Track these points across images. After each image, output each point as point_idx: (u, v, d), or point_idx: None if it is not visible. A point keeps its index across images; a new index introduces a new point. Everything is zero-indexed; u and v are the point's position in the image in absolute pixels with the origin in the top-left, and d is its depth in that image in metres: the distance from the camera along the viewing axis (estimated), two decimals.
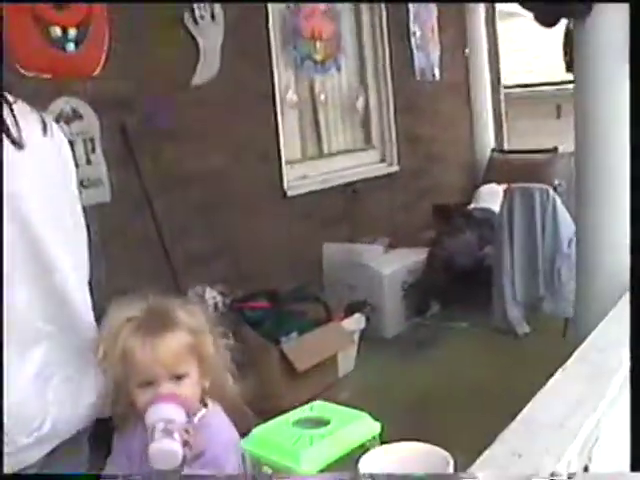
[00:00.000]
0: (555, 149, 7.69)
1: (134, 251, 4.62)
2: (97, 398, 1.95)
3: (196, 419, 1.81)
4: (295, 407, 4.35)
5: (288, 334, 4.59)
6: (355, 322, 5.24)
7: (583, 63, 3.26)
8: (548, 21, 3.24)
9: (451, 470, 1.21)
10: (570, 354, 5.23)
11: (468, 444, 4.05)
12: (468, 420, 4.52)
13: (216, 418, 1.86)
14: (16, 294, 1.73)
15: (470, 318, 6.16)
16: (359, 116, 6.83)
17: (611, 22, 3.11)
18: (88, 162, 4.42)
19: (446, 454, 1.24)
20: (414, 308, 6.13)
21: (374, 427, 1.40)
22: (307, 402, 4.73)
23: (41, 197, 1.80)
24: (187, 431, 1.72)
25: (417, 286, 6.12)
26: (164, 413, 1.72)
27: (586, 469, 1.93)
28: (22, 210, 1.74)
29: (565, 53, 3.33)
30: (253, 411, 2.09)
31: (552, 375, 4.91)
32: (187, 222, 5.00)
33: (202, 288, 4.92)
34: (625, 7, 3.04)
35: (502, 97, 8.45)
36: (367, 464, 1.20)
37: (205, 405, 1.87)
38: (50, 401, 1.81)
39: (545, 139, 8.91)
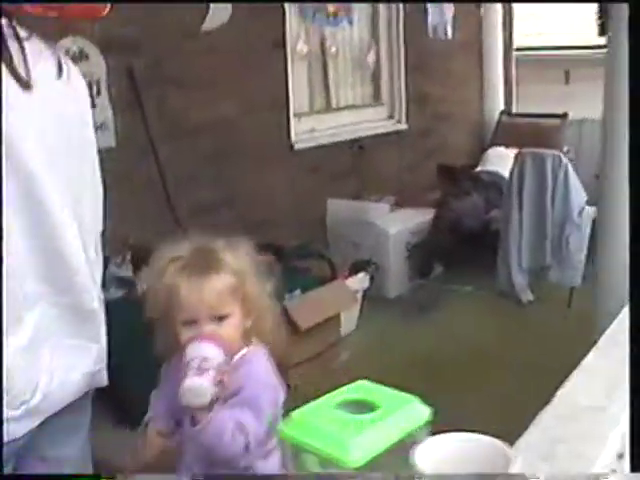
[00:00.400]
0: (565, 115, 7.52)
1: (138, 197, 4.48)
2: (95, 365, 1.82)
3: (237, 357, 1.85)
4: (297, 365, 4.25)
5: (292, 291, 4.46)
6: (359, 281, 5.11)
7: (618, 27, 3.11)
8: None
9: (515, 468, 1.07)
10: (574, 324, 5.16)
11: (471, 409, 3.98)
12: (470, 385, 4.44)
13: (256, 358, 1.89)
14: (8, 248, 1.55)
15: (474, 282, 6.05)
16: (369, 71, 6.64)
17: None
18: (93, 105, 4.19)
19: (509, 451, 1.10)
20: (418, 269, 6.01)
21: (424, 413, 1.26)
22: (309, 360, 4.64)
23: (43, 142, 1.64)
24: (222, 371, 1.75)
25: (422, 247, 5.99)
26: (201, 351, 1.76)
27: (621, 456, 1.80)
28: (19, 154, 1.57)
29: (599, 16, 3.15)
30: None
31: (555, 345, 4.83)
32: (192, 171, 4.85)
33: (205, 239, 4.77)
34: None
35: (514, 60, 8.25)
36: (422, 456, 1.06)
37: (248, 344, 1.90)
38: (42, 370, 1.66)
39: (553, 104, 8.74)
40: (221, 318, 1.83)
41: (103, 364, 1.86)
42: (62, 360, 1.72)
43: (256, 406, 1.81)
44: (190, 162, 4.83)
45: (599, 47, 8.42)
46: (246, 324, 1.88)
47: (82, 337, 1.78)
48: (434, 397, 3.93)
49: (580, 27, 9.08)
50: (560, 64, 9.95)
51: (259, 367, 1.88)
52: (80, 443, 1.94)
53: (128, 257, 3.78)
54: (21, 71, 1.58)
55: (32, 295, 1.64)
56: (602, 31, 3.10)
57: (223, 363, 1.77)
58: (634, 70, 2.52)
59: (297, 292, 4.47)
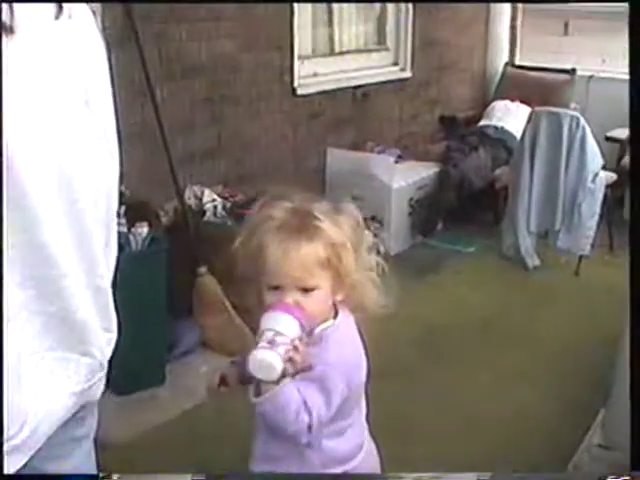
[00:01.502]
0: (573, 71, 7.16)
1: (132, 142, 4.10)
2: (86, 382, 1.47)
3: (318, 330, 1.73)
4: None
5: None
6: None
7: None
8: None
9: None
10: (581, 294, 4.90)
11: (471, 381, 3.70)
12: (470, 355, 4.18)
13: (337, 334, 1.76)
14: None
15: (477, 242, 5.75)
16: (375, 13, 6.22)
17: None
18: None
19: None
20: (420, 227, 5.67)
21: None
22: None
23: (25, 100, 1.25)
24: (296, 347, 1.61)
25: (425, 204, 5.66)
26: (277, 323, 1.64)
27: None
28: None
29: None
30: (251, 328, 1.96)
31: (561, 314, 4.58)
32: (190, 114, 4.50)
33: (200, 189, 4.42)
34: None
35: (519, 7, 7.83)
36: None
37: (335, 317, 1.77)
38: (27, 396, 1.32)
39: (552, 56, 8.43)
40: (307, 290, 1.68)
41: (96, 378, 1.51)
42: (47, 381, 1.37)
43: (326, 387, 1.70)
44: (188, 104, 4.48)
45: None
46: (335, 298, 1.75)
47: (70, 351, 1.42)
48: (433, 368, 3.67)
49: None
50: (559, 15, 9.60)
51: (337, 345, 1.75)
52: (83, 455, 1.62)
53: (122, 211, 3.41)
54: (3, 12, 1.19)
55: (12, 302, 1.28)
56: None
57: (298, 338, 1.63)
58: (635, 70, 2.18)
59: None
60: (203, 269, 4.02)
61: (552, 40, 9.23)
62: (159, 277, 3.62)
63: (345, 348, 1.77)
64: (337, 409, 1.75)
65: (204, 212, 4.33)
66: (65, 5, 1.31)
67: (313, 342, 1.70)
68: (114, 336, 1.55)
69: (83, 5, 1.40)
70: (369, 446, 1.98)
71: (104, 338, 1.52)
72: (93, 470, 1.69)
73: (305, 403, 1.68)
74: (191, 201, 4.38)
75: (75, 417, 1.51)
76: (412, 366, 4.03)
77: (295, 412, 1.67)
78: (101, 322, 1.49)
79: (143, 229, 3.56)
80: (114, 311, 1.55)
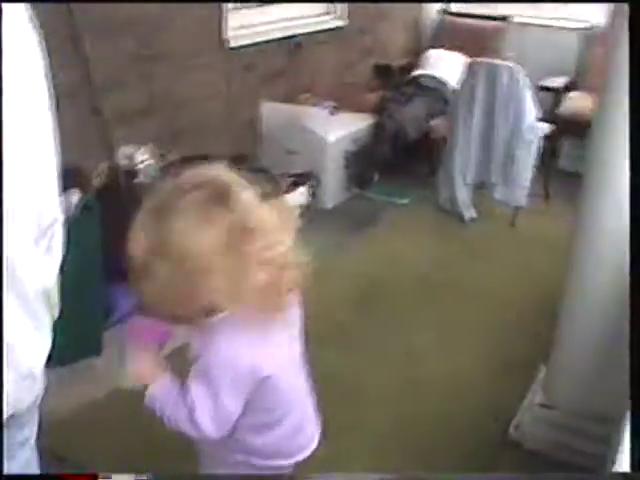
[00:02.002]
0: (507, 18, 7.12)
1: (60, 101, 3.95)
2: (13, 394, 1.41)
3: (208, 323, 1.61)
4: None
5: None
6: (299, 196, 4.72)
7: None
8: None
9: None
10: (517, 244, 4.96)
11: (411, 338, 3.71)
12: (411, 311, 4.19)
13: (224, 326, 1.61)
14: None
15: (412, 194, 5.73)
16: None
17: None
18: None
19: None
20: (356, 179, 5.63)
21: None
22: None
23: None
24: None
25: (361, 156, 5.60)
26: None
27: None
28: None
29: None
30: None
31: (499, 266, 4.62)
32: (120, 72, 4.34)
33: (132, 148, 4.30)
34: None
35: None
36: None
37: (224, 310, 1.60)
38: None
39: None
40: None
41: (24, 390, 1.45)
42: None
43: (208, 379, 1.63)
44: (117, 62, 4.31)
45: None
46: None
47: None
48: (370, 327, 3.67)
49: None
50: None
51: (222, 337, 1.62)
52: (27, 456, 1.58)
53: None
54: None
55: None
56: None
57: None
58: (635, 70, 2.16)
59: None
60: None
61: None
62: (92, 243, 3.52)
63: (231, 341, 1.63)
64: (251, 403, 1.70)
65: (136, 173, 4.23)
66: None
67: (202, 335, 1.66)
68: (48, 341, 1.49)
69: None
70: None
71: (37, 345, 1.45)
72: (36, 470, 1.66)
73: (184, 395, 1.66)
74: (123, 162, 4.27)
75: (16, 422, 1.46)
76: (349, 325, 4.02)
77: (174, 403, 1.67)
78: (34, 329, 1.43)
79: (74, 196, 3.46)
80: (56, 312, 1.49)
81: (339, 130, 5.47)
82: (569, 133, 5.98)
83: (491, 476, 3.16)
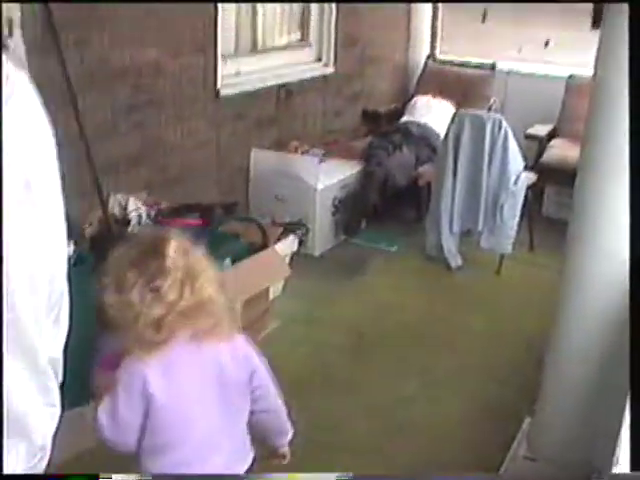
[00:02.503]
0: (493, 65, 7.25)
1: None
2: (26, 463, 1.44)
3: None
4: None
5: (221, 260, 4.09)
6: (289, 245, 4.78)
7: (611, 27, 2.80)
8: None
9: None
10: (503, 292, 5.03)
11: (399, 386, 3.77)
12: (398, 360, 4.25)
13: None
14: None
15: (400, 241, 5.82)
16: (298, 11, 6.19)
17: None
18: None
19: None
20: (344, 226, 5.71)
21: None
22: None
23: None
24: None
25: (349, 203, 5.69)
26: None
27: None
28: None
29: (594, 8, 2.84)
30: None
31: (485, 313, 4.70)
32: (112, 121, 4.42)
33: (125, 197, 4.37)
34: None
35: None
36: None
37: None
38: None
39: (471, 43, 8.59)
40: None
41: (36, 460, 1.49)
42: None
43: (114, 388, 2.00)
44: (111, 111, 4.39)
45: None
46: None
47: (10, 438, 1.37)
48: (359, 375, 3.72)
49: None
50: (478, 5, 9.78)
51: (131, 359, 1.99)
52: None
53: None
54: None
55: None
56: (595, 22, 2.78)
57: None
58: (635, 71, 2.25)
59: (227, 261, 4.11)
60: None
61: (471, 28, 9.39)
62: (86, 296, 3.56)
63: (137, 362, 1.99)
64: (148, 425, 1.99)
65: (129, 221, 4.29)
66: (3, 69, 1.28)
67: None
68: (57, 410, 1.54)
69: (22, 74, 1.38)
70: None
71: (47, 415, 1.50)
72: None
73: (96, 406, 2.03)
74: (115, 210, 4.33)
75: None
76: (338, 372, 4.08)
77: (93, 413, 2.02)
78: (44, 399, 1.48)
79: (69, 248, 3.51)
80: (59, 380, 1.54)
81: (328, 178, 5.55)
82: (553, 181, 6.09)
83: (491, 476, 3.22)
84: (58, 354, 1.54)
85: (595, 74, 3.01)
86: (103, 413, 2.00)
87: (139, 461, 2.07)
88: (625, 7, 2.68)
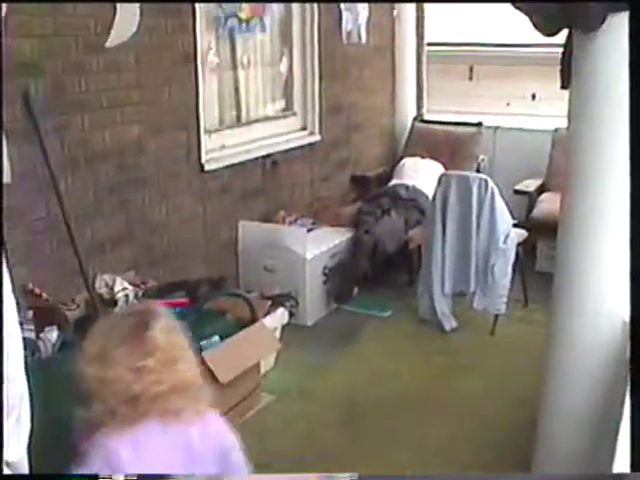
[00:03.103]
0: (479, 124, 7.32)
1: (37, 236, 4.08)
2: None
3: None
4: None
5: (209, 337, 4.10)
6: (278, 318, 4.78)
7: (582, 83, 2.85)
8: (549, 30, 2.80)
9: None
10: (498, 352, 5.02)
11: (396, 458, 3.74)
12: (393, 431, 4.21)
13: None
14: None
15: (393, 306, 5.81)
16: (281, 80, 6.27)
17: (620, 37, 2.70)
18: None
19: None
20: (335, 295, 5.71)
21: None
22: (227, 412, 4.34)
23: None
24: None
25: (339, 271, 5.70)
26: None
27: None
28: None
29: (562, 68, 2.90)
30: None
31: (480, 377, 4.67)
32: (97, 202, 4.46)
33: (111, 278, 4.39)
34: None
35: (424, 61, 7.97)
36: None
37: None
38: None
39: (458, 101, 8.63)
40: None
41: None
42: None
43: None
44: (93, 192, 4.44)
45: (501, 45, 8.37)
46: None
47: None
48: (352, 449, 3.69)
49: (485, 24, 8.96)
50: (464, 60, 9.85)
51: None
52: None
53: (30, 315, 3.37)
54: None
55: None
56: (563, 84, 2.83)
57: None
58: (634, 74, 2.28)
59: (215, 338, 4.11)
60: None
61: (458, 85, 9.46)
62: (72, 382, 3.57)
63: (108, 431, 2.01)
64: None
65: (116, 302, 4.30)
66: None
67: None
68: None
69: None
70: None
71: None
72: None
73: None
74: (102, 290, 4.35)
75: None
76: (331, 446, 4.04)
77: None
78: None
79: (53, 333, 3.53)
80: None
81: (317, 246, 5.57)
82: (544, 235, 6.10)
83: (491, 476, 3.17)
84: (22, 453, 1.55)
85: (569, 127, 3.07)
86: None
87: None
88: (594, 64, 2.76)
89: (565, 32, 2.87)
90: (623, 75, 2.71)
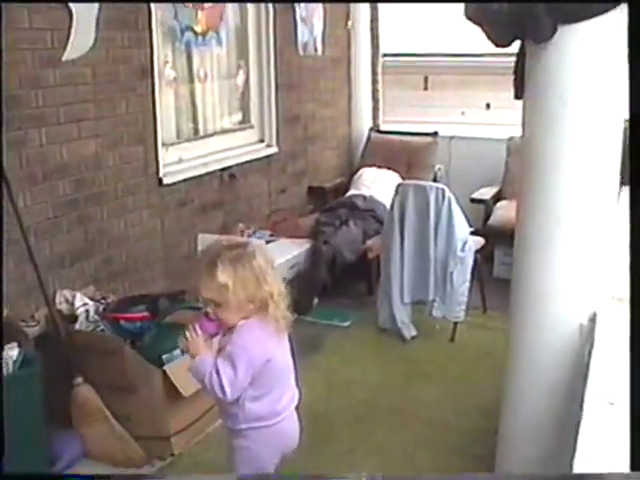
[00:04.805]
0: (435, 133, 7.42)
1: None
2: None
3: (237, 324, 2.68)
4: (179, 432, 3.97)
5: (171, 351, 4.11)
6: None
7: (535, 92, 2.92)
8: (501, 42, 2.86)
9: None
10: (458, 359, 5.08)
11: (358, 468, 3.77)
12: (361, 436, 4.25)
13: (246, 328, 2.67)
14: None
15: (353, 316, 5.87)
16: (238, 93, 6.31)
17: (572, 47, 2.78)
18: None
19: None
20: (295, 306, 5.70)
21: None
22: (191, 425, 4.35)
23: None
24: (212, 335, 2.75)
25: (299, 282, 5.72)
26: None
27: None
28: None
29: (515, 78, 2.97)
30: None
31: (441, 382, 4.72)
32: (55, 217, 4.45)
33: (71, 293, 4.39)
34: (590, 30, 2.73)
35: (380, 72, 8.05)
36: None
37: (247, 318, 2.69)
38: None
39: (414, 110, 8.72)
40: (217, 304, 2.65)
41: None
42: None
43: (232, 360, 2.62)
44: (51, 208, 4.43)
45: (456, 55, 8.47)
46: (249, 307, 2.67)
47: None
48: (318, 461, 3.71)
49: (439, 34, 9.07)
50: (419, 71, 9.94)
51: (243, 334, 2.65)
52: None
53: None
54: None
55: None
56: (517, 94, 2.90)
57: (210, 334, 2.72)
58: (634, 78, 2.34)
59: (177, 352, 4.11)
60: (79, 379, 3.97)
61: (413, 95, 9.54)
62: (34, 398, 3.57)
63: (249, 336, 2.66)
64: (252, 379, 2.67)
65: (76, 317, 4.30)
66: None
67: (231, 331, 2.68)
68: None
69: None
70: (291, 415, 2.95)
71: None
72: None
73: (216, 368, 2.61)
74: (62, 306, 4.35)
75: None
76: (294, 457, 4.05)
77: (209, 373, 2.61)
78: None
79: (13, 351, 3.52)
80: None
81: (276, 258, 5.56)
82: (501, 242, 6.21)
83: (491, 476, 3.21)
84: None
85: (523, 135, 3.14)
86: (227, 382, 2.61)
87: (241, 406, 2.74)
88: (547, 74, 2.84)
89: (518, 42, 2.93)
90: (576, 84, 2.80)
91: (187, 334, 2.69)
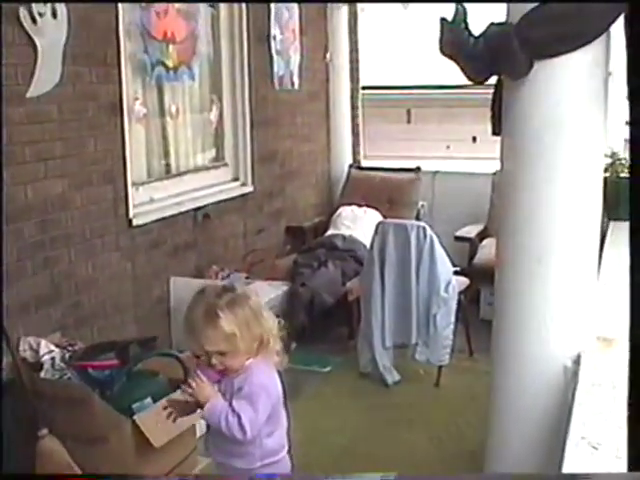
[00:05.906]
0: (418, 169, 7.52)
1: None
2: None
3: (245, 364, 2.82)
4: None
5: (141, 399, 4.15)
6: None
7: (512, 127, 3.02)
8: (477, 77, 2.96)
9: None
10: (443, 404, 5.12)
11: None
12: None
13: (257, 366, 2.83)
14: None
15: (333, 361, 5.92)
16: (211, 129, 6.40)
17: (548, 82, 2.88)
18: None
19: None
20: None
21: None
22: (165, 476, 4.36)
23: None
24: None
25: None
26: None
27: None
28: None
29: (492, 114, 3.07)
30: None
31: (426, 428, 4.76)
32: (19, 260, 4.48)
33: (36, 340, 4.42)
34: (566, 66, 2.83)
35: (360, 106, 8.15)
36: None
37: (256, 356, 2.84)
38: None
39: (397, 145, 8.82)
40: (222, 353, 2.78)
41: None
42: None
43: (250, 399, 2.77)
44: (15, 251, 4.46)
45: (439, 87, 8.61)
46: (254, 346, 2.83)
47: None
48: None
49: (421, 66, 9.21)
50: (402, 103, 10.08)
51: (257, 373, 2.81)
52: None
53: None
54: None
55: None
56: (494, 130, 3.00)
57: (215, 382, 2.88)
58: (634, 85, 2.42)
59: (148, 401, 4.16)
60: (44, 431, 3.99)
61: (396, 129, 9.67)
62: None
63: (263, 374, 2.82)
64: (267, 416, 2.82)
65: (41, 365, 4.32)
66: None
67: (241, 373, 2.82)
68: None
69: None
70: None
71: None
72: None
73: (232, 410, 2.74)
74: (27, 354, 4.37)
75: None
76: None
77: (225, 416, 2.74)
78: None
79: None
80: None
81: None
82: (487, 282, 6.25)
83: (491, 476, 3.24)
84: None
85: (501, 169, 3.23)
86: (248, 423, 2.74)
87: (257, 444, 2.89)
88: (524, 110, 2.94)
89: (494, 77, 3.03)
90: (552, 119, 2.90)
91: (191, 383, 2.81)
